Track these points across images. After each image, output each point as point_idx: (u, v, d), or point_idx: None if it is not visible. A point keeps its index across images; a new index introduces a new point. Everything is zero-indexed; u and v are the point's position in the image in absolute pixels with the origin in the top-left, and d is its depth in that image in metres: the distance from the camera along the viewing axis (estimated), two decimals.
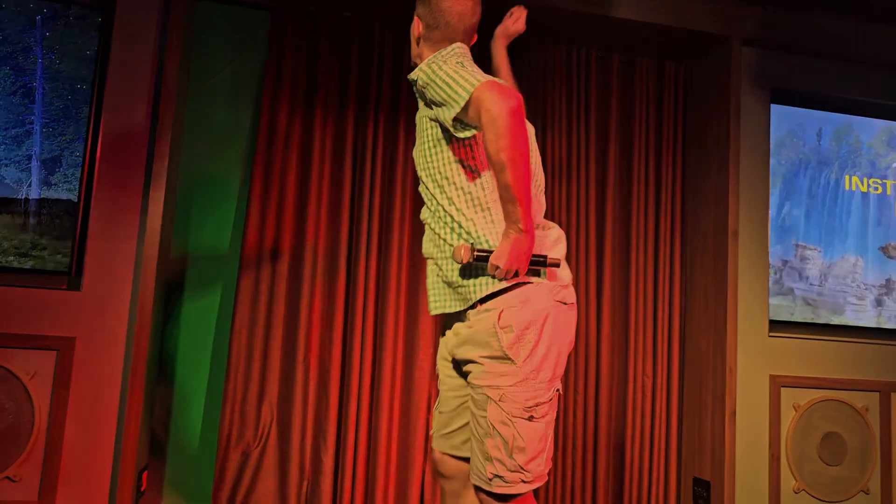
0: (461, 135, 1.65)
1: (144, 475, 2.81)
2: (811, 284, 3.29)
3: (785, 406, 3.17)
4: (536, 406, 1.65)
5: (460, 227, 1.72)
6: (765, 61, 3.29)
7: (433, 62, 1.70)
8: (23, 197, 2.67)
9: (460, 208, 1.72)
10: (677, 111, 3.49)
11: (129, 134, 2.76)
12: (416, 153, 1.83)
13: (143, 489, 2.80)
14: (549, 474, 1.74)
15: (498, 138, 1.52)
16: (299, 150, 3.08)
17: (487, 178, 1.71)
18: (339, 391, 3.00)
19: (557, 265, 1.70)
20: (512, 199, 1.57)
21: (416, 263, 3.10)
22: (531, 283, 1.69)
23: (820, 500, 3.17)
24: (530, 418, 1.64)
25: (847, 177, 3.39)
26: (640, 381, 3.30)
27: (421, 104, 1.80)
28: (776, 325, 3.23)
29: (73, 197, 2.69)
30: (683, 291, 3.40)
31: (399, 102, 3.17)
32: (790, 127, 3.34)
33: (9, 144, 2.67)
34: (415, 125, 1.85)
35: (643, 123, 3.44)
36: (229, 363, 2.92)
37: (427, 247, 1.81)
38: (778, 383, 3.16)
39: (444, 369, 1.90)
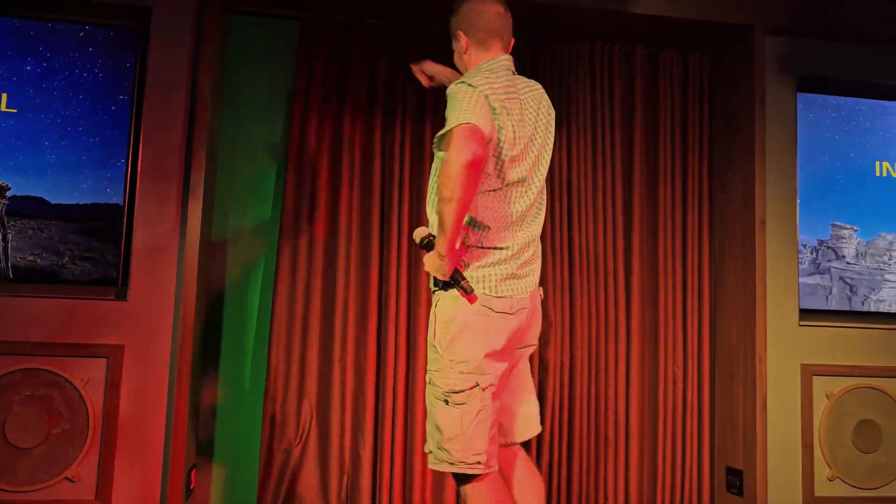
0: (436, 151, 1.94)
1: (193, 473, 2.95)
2: (848, 263, 3.28)
3: (817, 394, 3.18)
4: (452, 393, 1.85)
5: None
6: (791, 50, 3.26)
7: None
8: (73, 203, 2.80)
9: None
10: (703, 102, 3.48)
11: (167, 146, 2.86)
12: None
13: (192, 487, 2.94)
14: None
15: (446, 178, 1.75)
16: (329, 157, 3.16)
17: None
18: (375, 389, 3.10)
19: (468, 295, 1.87)
20: (441, 228, 1.82)
21: None
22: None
23: (855, 487, 3.18)
24: (446, 402, 1.86)
25: (877, 163, 3.36)
26: (671, 371, 3.33)
27: None
28: (807, 314, 3.22)
29: (119, 203, 2.82)
30: (712, 281, 3.41)
31: (425, 109, 3.23)
32: (822, 112, 3.31)
33: (60, 154, 2.81)
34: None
35: (668, 115, 3.44)
36: (269, 364, 3.03)
37: None
38: (810, 372, 3.17)
39: None
